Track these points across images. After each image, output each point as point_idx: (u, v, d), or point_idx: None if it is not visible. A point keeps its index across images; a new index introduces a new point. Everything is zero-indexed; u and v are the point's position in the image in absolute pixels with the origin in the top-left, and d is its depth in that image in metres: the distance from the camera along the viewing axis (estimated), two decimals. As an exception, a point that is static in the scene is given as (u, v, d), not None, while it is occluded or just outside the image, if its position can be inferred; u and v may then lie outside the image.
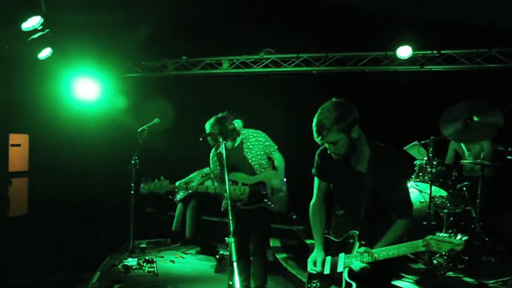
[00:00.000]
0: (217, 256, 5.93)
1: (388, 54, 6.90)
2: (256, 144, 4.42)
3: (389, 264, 2.57)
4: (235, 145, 4.42)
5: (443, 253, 2.34)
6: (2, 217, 7.29)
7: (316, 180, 3.00)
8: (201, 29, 7.58)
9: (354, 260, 2.59)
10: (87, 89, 7.45)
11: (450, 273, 4.77)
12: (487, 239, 5.00)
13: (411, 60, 6.77)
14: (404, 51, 6.60)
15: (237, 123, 3.02)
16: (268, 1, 7.29)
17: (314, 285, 2.85)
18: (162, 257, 6.22)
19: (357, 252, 2.60)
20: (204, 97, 7.83)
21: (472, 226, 5.04)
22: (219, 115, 4.38)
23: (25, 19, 4.80)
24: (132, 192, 6.18)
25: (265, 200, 4.41)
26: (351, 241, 2.69)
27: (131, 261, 5.78)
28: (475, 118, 4.78)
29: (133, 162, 6.16)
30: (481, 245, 4.88)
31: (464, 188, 5.17)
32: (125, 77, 8.11)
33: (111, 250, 6.33)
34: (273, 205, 4.43)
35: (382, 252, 2.50)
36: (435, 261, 4.89)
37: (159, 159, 7.26)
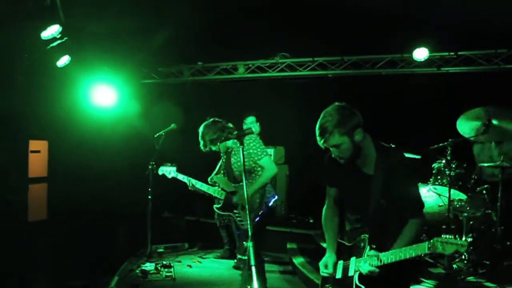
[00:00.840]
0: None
1: (405, 57, 6.85)
2: (239, 150, 4.29)
3: (401, 268, 2.55)
4: (228, 150, 4.48)
5: (449, 254, 2.31)
6: (22, 222, 7.41)
7: (327, 187, 3.03)
8: (216, 34, 7.63)
9: (363, 263, 2.59)
10: (104, 96, 7.55)
11: (471, 278, 4.69)
12: (508, 243, 4.92)
13: (427, 62, 6.71)
14: (421, 53, 6.53)
15: (254, 127, 3.04)
16: (282, 6, 7.32)
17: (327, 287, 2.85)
18: (179, 261, 6.24)
19: (367, 255, 2.60)
20: (220, 102, 7.87)
21: (493, 230, 4.95)
22: (211, 120, 4.52)
23: (44, 28, 4.88)
24: (149, 197, 6.22)
25: (235, 211, 4.43)
26: (362, 245, 2.69)
27: (149, 266, 5.80)
28: (494, 122, 4.74)
29: (150, 167, 6.19)
30: (502, 249, 4.80)
31: (484, 191, 5.10)
32: (141, 83, 8.20)
33: (129, 255, 6.37)
34: (239, 218, 4.38)
35: (390, 255, 2.49)
36: (455, 266, 4.82)
37: (176, 163, 7.30)
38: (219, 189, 4.66)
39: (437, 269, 5.01)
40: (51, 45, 5.25)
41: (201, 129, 4.55)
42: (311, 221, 7.39)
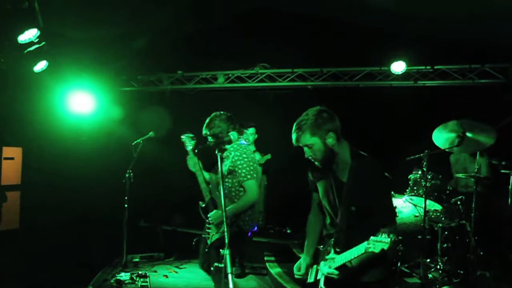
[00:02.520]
0: None
1: (383, 70, 6.96)
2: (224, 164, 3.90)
3: (363, 272, 2.61)
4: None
5: (378, 252, 2.36)
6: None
7: (313, 194, 3.08)
8: (196, 44, 7.65)
9: (323, 266, 2.67)
10: (82, 103, 7.45)
11: (445, 287, 4.76)
12: (481, 253, 5.00)
13: (405, 75, 6.84)
14: (398, 67, 6.66)
15: (233, 135, 3.02)
16: (263, 17, 7.39)
17: None
18: (155, 271, 6.15)
19: (326, 258, 2.68)
20: (199, 111, 7.84)
21: (467, 240, 5.03)
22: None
23: (21, 32, 4.79)
24: (126, 205, 6.13)
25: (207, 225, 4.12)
26: (329, 249, 2.75)
27: (124, 276, 5.71)
28: (468, 134, 4.84)
29: (127, 175, 6.13)
30: (476, 259, 4.87)
31: (459, 202, 5.19)
32: (120, 91, 8.13)
33: (104, 265, 6.25)
34: (207, 235, 4.06)
35: (339, 258, 2.58)
36: (430, 275, 4.88)
37: (154, 173, 7.25)
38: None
39: (413, 279, 5.06)
40: (28, 49, 5.14)
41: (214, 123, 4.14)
42: (288, 231, 7.39)
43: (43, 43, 5.18)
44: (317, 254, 2.92)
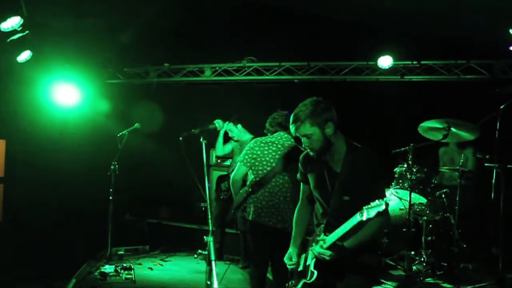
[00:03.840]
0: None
1: (370, 64, 6.97)
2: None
3: (352, 253, 2.62)
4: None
5: (372, 218, 2.37)
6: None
7: (301, 185, 3.10)
8: (183, 36, 7.58)
9: (315, 246, 2.67)
10: (67, 95, 7.35)
11: (429, 279, 4.81)
12: (465, 245, 5.06)
13: (391, 70, 6.85)
14: (385, 61, 6.67)
15: (218, 123, 3.00)
16: (250, 10, 7.35)
17: (292, 283, 2.92)
18: (140, 264, 6.11)
19: (318, 239, 2.68)
20: (186, 104, 7.82)
21: (451, 233, 5.09)
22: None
23: (4, 19, 4.71)
24: (111, 197, 6.08)
25: None
26: (318, 233, 2.76)
27: (108, 268, 5.64)
28: (453, 129, 4.88)
29: (112, 167, 6.06)
30: (459, 251, 4.93)
31: (443, 196, 5.24)
32: (106, 83, 8.04)
33: (88, 258, 6.20)
34: None
35: (331, 236, 2.58)
36: (414, 267, 4.92)
37: (140, 165, 7.19)
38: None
39: (397, 271, 5.11)
40: (11, 38, 5.06)
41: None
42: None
43: (26, 32, 5.11)
44: (305, 244, 2.94)
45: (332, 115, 2.71)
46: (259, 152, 4.09)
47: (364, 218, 2.37)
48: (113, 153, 6.23)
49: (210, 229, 2.49)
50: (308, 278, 2.70)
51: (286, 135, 4.18)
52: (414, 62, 6.80)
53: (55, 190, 7.32)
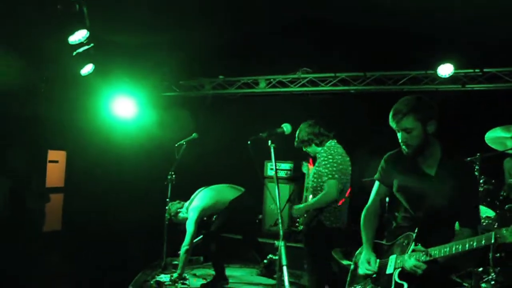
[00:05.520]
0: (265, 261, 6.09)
1: (428, 73, 6.76)
2: (320, 160, 4.25)
3: (446, 270, 2.53)
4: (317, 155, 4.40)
5: None
6: (38, 232, 7.37)
7: (376, 185, 2.98)
8: (238, 48, 7.65)
9: (408, 258, 2.48)
10: (125, 107, 7.57)
11: (500, 299, 4.52)
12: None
13: (452, 79, 6.61)
14: (446, 70, 6.44)
15: (286, 127, 2.96)
16: (305, 21, 7.33)
17: (359, 287, 2.78)
18: (194, 274, 6.12)
19: (412, 251, 2.50)
20: (241, 116, 7.85)
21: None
22: (311, 121, 4.46)
23: (72, 33, 4.92)
24: (167, 207, 6.14)
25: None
26: (405, 242, 2.60)
27: (164, 277, 5.70)
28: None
29: (169, 177, 6.13)
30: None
31: (513, 209, 4.94)
32: (162, 96, 8.22)
33: (143, 267, 6.27)
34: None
35: (442, 248, 2.37)
36: (483, 285, 4.63)
37: (195, 175, 7.23)
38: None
39: (464, 289, 4.83)
40: (77, 50, 5.27)
41: (301, 127, 4.50)
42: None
43: (91, 44, 5.30)
44: (378, 249, 2.81)
45: (436, 114, 2.61)
46: (341, 163, 4.17)
47: (475, 246, 2.21)
48: (169, 163, 6.30)
49: (281, 233, 2.43)
50: None
51: (334, 142, 4.28)
52: (477, 70, 6.53)
53: (113, 200, 7.51)
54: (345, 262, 5.68)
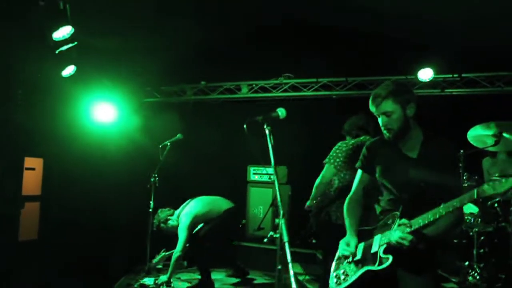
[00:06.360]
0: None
1: (409, 78, 6.90)
2: None
3: (431, 245, 2.54)
4: None
5: (501, 193, 2.19)
6: (13, 241, 7.12)
7: (359, 173, 3.01)
8: (220, 54, 7.67)
9: (394, 232, 2.52)
10: (105, 113, 7.46)
11: (487, 292, 4.58)
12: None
13: (432, 84, 6.77)
14: (426, 74, 6.59)
15: (280, 111, 2.96)
16: (287, 27, 7.43)
17: (342, 270, 2.78)
18: (178, 278, 6.01)
19: (397, 225, 2.53)
20: (223, 121, 7.83)
21: (507, 244, 4.84)
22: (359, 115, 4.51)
23: (56, 28, 4.83)
24: (150, 210, 6.04)
25: None
26: (390, 221, 2.63)
27: (147, 281, 5.58)
28: (505, 135, 4.75)
29: (152, 180, 6.04)
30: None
31: (496, 205, 5.03)
32: (143, 102, 8.15)
33: (126, 271, 6.13)
34: None
35: (419, 220, 2.44)
36: (470, 278, 4.69)
37: (178, 179, 7.16)
38: None
39: (450, 284, 4.88)
40: (60, 48, 5.17)
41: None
42: (313, 241, 7.21)
43: (75, 42, 5.22)
44: (362, 234, 2.83)
45: (414, 97, 2.68)
46: (348, 157, 4.21)
47: (458, 205, 2.27)
48: (151, 166, 6.22)
49: (281, 212, 2.42)
50: (376, 264, 2.56)
51: (363, 137, 4.30)
52: (455, 75, 6.70)
53: (93, 206, 7.32)
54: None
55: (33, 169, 7.68)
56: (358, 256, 2.74)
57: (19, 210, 7.28)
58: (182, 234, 5.44)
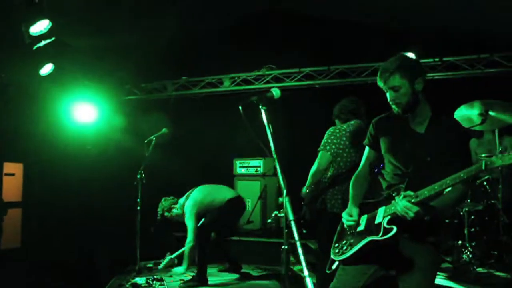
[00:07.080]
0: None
1: (391, 64, 6.91)
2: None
3: (436, 218, 2.53)
4: None
5: (508, 164, 2.18)
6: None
7: (366, 150, 3.00)
8: (200, 48, 7.59)
9: (399, 201, 2.48)
10: (85, 113, 7.30)
11: (480, 269, 4.61)
12: (513, 233, 4.88)
13: (414, 69, 6.79)
14: (408, 59, 6.60)
15: (275, 91, 2.88)
16: (266, 17, 7.39)
17: (344, 241, 2.77)
18: (171, 276, 5.90)
19: (403, 195, 2.50)
20: (206, 115, 7.74)
21: (497, 221, 4.90)
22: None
23: (33, 23, 4.68)
24: (138, 208, 5.91)
25: None
26: (395, 194, 2.60)
27: (139, 280, 5.47)
28: (491, 113, 4.80)
29: (139, 176, 5.92)
30: (509, 239, 4.75)
31: (485, 183, 5.09)
32: (124, 100, 7.99)
33: (115, 273, 5.99)
34: None
35: (425, 191, 2.41)
36: (464, 256, 4.72)
37: (165, 175, 7.03)
38: None
39: (444, 263, 4.91)
40: (37, 45, 5.00)
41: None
42: (304, 231, 7.18)
43: (53, 38, 5.06)
44: (367, 207, 2.81)
45: (422, 70, 2.66)
46: (342, 143, 4.12)
47: (465, 177, 2.25)
48: (136, 163, 6.09)
49: (284, 191, 2.35)
50: (380, 234, 2.53)
51: (355, 121, 4.23)
52: (436, 59, 6.74)
53: (78, 210, 7.15)
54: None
55: (12, 174, 7.48)
56: (361, 227, 2.72)
57: (2, 217, 7.09)
58: (189, 223, 5.47)
